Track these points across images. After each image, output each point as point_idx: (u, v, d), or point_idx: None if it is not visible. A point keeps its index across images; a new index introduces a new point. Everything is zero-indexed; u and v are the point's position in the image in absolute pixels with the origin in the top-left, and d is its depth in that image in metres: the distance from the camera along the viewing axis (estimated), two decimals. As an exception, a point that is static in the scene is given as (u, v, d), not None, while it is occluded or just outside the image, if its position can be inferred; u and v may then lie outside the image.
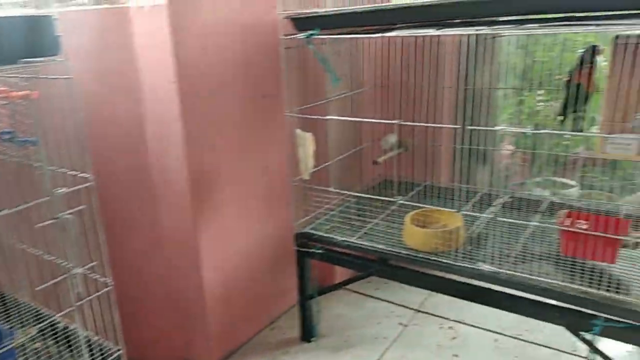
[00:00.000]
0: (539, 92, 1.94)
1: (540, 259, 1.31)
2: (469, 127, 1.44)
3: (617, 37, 1.21)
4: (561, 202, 1.59)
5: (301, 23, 1.39)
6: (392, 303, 2.01)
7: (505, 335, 1.76)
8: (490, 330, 1.79)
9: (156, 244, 1.62)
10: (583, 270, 1.19)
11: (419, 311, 1.95)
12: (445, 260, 1.35)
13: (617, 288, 1.12)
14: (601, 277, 1.15)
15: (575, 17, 1.27)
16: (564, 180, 2.47)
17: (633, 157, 1.21)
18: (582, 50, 1.42)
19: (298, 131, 1.51)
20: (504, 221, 1.34)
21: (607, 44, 1.60)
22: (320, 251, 1.61)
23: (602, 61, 1.43)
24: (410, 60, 1.86)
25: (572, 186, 2.46)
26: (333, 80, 1.43)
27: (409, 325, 1.87)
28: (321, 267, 1.80)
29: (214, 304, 1.65)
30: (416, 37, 1.81)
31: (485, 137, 2.04)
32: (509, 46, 2.00)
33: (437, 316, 1.90)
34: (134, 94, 1.46)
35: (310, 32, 1.35)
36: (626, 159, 1.23)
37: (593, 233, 1.11)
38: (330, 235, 1.56)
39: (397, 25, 1.48)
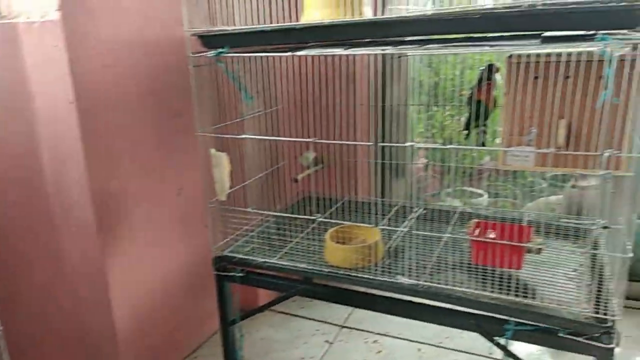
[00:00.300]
0: (446, 107, 2.04)
1: (454, 268, 1.36)
2: (381, 144, 1.46)
3: (510, 56, 1.29)
4: (471, 212, 1.67)
5: (209, 41, 1.35)
6: (317, 321, 2.00)
7: (428, 344, 1.80)
8: (413, 341, 1.83)
9: (59, 277, 1.48)
10: (493, 277, 1.24)
11: (344, 327, 1.95)
12: (365, 276, 1.35)
13: (525, 293, 1.18)
14: (510, 283, 1.21)
15: (473, 37, 1.35)
16: (473, 189, 2.62)
17: (531, 168, 1.30)
18: (481, 68, 1.52)
19: (212, 151, 1.46)
20: (419, 234, 1.37)
21: (502, 63, 1.73)
22: (240, 274, 1.55)
23: (499, 79, 1.54)
24: (324, 77, 1.89)
25: (481, 195, 2.62)
26: (246, 99, 1.40)
27: (334, 342, 1.86)
28: (244, 289, 1.74)
29: (127, 339, 1.54)
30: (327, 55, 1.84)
31: (398, 151, 2.11)
32: (416, 64, 2.10)
33: (362, 330, 1.91)
34: (27, 117, 1.34)
35: (220, 50, 1.32)
36: (525, 169, 1.31)
37: (500, 242, 1.16)
38: (251, 257, 1.52)
39: (308, 44, 1.49)
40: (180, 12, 1.35)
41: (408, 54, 1.20)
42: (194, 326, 1.84)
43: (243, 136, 1.43)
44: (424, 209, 1.74)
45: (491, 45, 1.07)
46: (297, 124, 1.93)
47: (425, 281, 1.29)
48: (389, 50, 1.18)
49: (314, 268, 1.42)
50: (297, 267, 1.44)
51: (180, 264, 1.74)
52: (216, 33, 1.34)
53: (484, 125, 1.50)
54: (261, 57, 1.36)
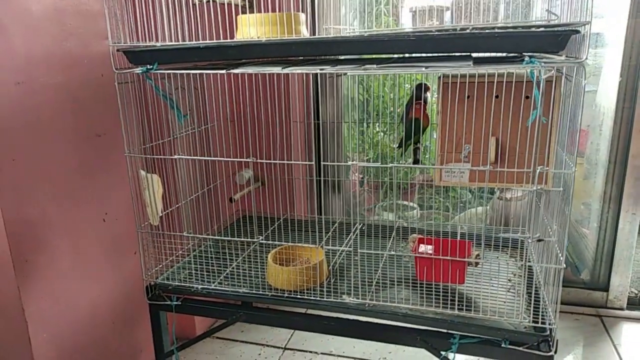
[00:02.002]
0: (377, 124, 2.08)
1: (399, 284, 1.36)
2: (324, 163, 1.45)
3: (441, 76, 1.34)
4: (407, 227, 1.69)
5: (136, 57, 1.27)
6: (259, 344, 1.93)
7: (371, 360, 1.80)
8: (357, 358, 1.81)
9: (-35, 321, 1.30)
10: (437, 292, 1.26)
11: (287, 349, 1.90)
12: (312, 298, 1.32)
13: (468, 306, 1.20)
14: (453, 297, 1.23)
15: (407, 57, 1.38)
16: (406, 203, 2.68)
17: (466, 184, 1.34)
18: (414, 87, 1.56)
19: (142, 172, 1.37)
20: (361, 251, 1.36)
21: (433, 82, 1.79)
22: (176, 302, 1.46)
23: (430, 97, 1.59)
24: (259, 95, 1.85)
25: (414, 208, 2.69)
26: (178, 117, 1.33)
27: (277, 366, 1.80)
28: (180, 316, 1.64)
29: (48, 383, 1.39)
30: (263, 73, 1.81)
31: (334, 168, 2.11)
32: (349, 81, 2.13)
33: (305, 351, 1.87)
34: None
35: (147, 66, 1.24)
36: (461, 185, 1.35)
37: (443, 258, 1.18)
38: (187, 284, 1.43)
39: (242, 62, 1.45)
40: (104, 26, 1.26)
41: (348, 73, 1.20)
42: (127, 358, 1.71)
43: (175, 156, 1.35)
44: (363, 224, 1.75)
45: (426, 67, 1.10)
46: (232, 142, 1.87)
47: (371, 299, 1.29)
48: (328, 69, 1.18)
49: (257, 292, 1.36)
50: (238, 292, 1.38)
51: (109, 294, 1.61)
52: (144, 49, 1.26)
53: (419, 142, 1.54)
54: (195, 74, 1.30)
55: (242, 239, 1.45)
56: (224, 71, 1.23)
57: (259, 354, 1.87)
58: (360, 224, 1.76)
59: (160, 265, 1.49)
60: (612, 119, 1.92)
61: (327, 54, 1.47)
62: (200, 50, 1.24)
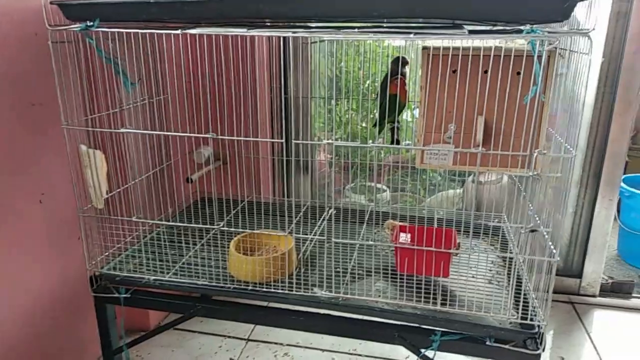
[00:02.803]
0: (347, 101, 1.94)
1: (374, 275, 1.25)
2: (295, 142, 1.30)
3: (424, 47, 1.20)
4: (381, 211, 1.58)
5: (73, 11, 1.07)
6: (220, 335, 1.79)
7: (341, 352, 1.69)
8: (326, 350, 1.71)
9: None
10: (417, 284, 1.15)
11: (250, 340, 1.77)
12: (279, 291, 1.18)
13: (451, 301, 1.10)
14: (435, 290, 1.13)
15: (385, 27, 1.24)
16: (375, 185, 2.57)
17: (449, 167, 1.22)
18: (391, 61, 1.43)
19: (83, 148, 1.18)
20: (338, 242, 1.23)
21: (413, 55, 1.65)
22: (125, 295, 1.30)
23: (408, 72, 1.46)
24: (221, 63, 1.67)
25: (383, 190, 2.59)
26: (125, 85, 1.15)
27: (240, 359, 1.67)
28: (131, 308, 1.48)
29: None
30: (225, 37, 1.63)
31: (301, 147, 1.97)
32: (318, 55, 1.97)
33: (270, 342, 1.75)
34: None
35: (87, 23, 1.05)
36: (443, 168, 1.24)
37: (427, 249, 1.07)
38: (137, 275, 1.27)
39: (202, 22, 1.27)
40: (34, -28, 1.06)
41: (324, 38, 1.06)
42: (71, 356, 1.53)
43: (121, 130, 1.17)
44: (334, 208, 1.63)
45: (415, 33, 0.96)
46: (190, 115, 1.69)
47: (345, 292, 1.17)
48: (301, 33, 1.02)
49: (217, 284, 1.22)
50: (196, 285, 1.23)
51: (50, 284, 1.42)
52: (82, 2, 1.07)
53: (398, 121, 1.41)
54: (144, 34, 1.12)
55: (200, 225, 1.29)
56: (178, 31, 1.05)
57: (220, 347, 1.73)
58: (331, 209, 1.63)
59: (107, 253, 1.32)
60: (592, 103, 1.85)
61: (298, 17, 1.30)
62: (149, 6, 1.05)
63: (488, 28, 1.03)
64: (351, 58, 2.16)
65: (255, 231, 1.28)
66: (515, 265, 1.04)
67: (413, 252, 1.09)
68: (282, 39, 1.82)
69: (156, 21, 1.21)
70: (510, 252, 1.28)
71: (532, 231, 1.00)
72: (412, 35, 0.95)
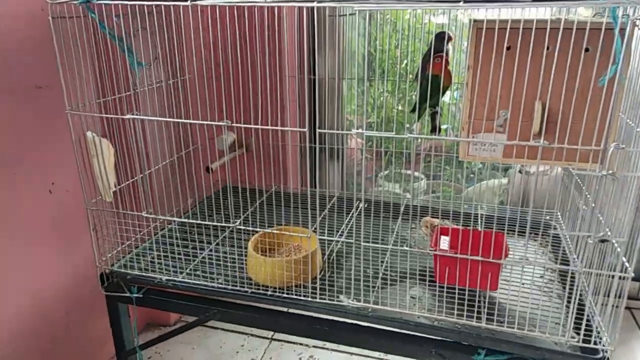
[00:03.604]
0: (383, 82, 1.78)
1: (410, 280, 1.11)
2: (320, 131, 1.16)
3: (474, 21, 1.03)
4: (419, 205, 1.42)
5: (75, -20, 0.95)
6: (243, 333, 1.69)
7: (371, 357, 1.57)
8: (354, 354, 1.59)
9: None
10: (460, 295, 1.00)
11: (274, 339, 1.66)
12: (300, 297, 1.06)
13: (499, 315, 0.95)
14: (479, 302, 0.98)
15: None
16: (410, 172, 2.40)
17: (500, 159, 1.06)
18: (433, 37, 1.26)
19: (90, 135, 1.08)
20: (368, 245, 1.09)
21: (458, 30, 1.47)
22: (137, 295, 1.20)
23: (451, 50, 1.29)
24: (244, 41, 1.53)
25: (420, 178, 2.42)
26: (132, 64, 1.03)
27: (263, 359, 1.57)
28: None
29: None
30: (250, 12, 1.49)
31: (335, 134, 1.82)
32: (350, 31, 1.80)
33: (295, 343, 1.64)
34: None
35: (89, -6, 0.93)
36: (493, 161, 1.07)
37: (474, 258, 0.91)
38: (149, 275, 1.17)
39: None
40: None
41: (355, 8, 0.91)
42: (86, 354, 1.47)
43: (127, 116, 1.05)
44: (364, 200, 1.49)
45: (465, 1, 0.79)
46: (211, 98, 1.56)
47: (375, 301, 1.03)
48: (327, 3, 0.87)
49: (234, 288, 1.10)
50: (212, 287, 1.12)
51: (60, 279, 1.35)
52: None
53: (437, 105, 1.25)
54: (151, 6, 0.99)
55: (215, 223, 1.18)
56: (188, 2, 0.92)
57: (242, 346, 1.63)
58: (361, 202, 1.49)
59: (117, 250, 1.23)
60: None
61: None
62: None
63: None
64: (387, 35, 1.98)
65: (274, 231, 1.15)
66: (578, 280, 0.87)
67: (455, 261, 0.93)
68: (310, 12, 1.66)
69: None
70: (572, 264, 1.10)
71: (602, 241, 0.83)
72: (461, 3, 0.79)
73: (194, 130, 1.50)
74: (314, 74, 1.75)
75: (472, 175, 2.44)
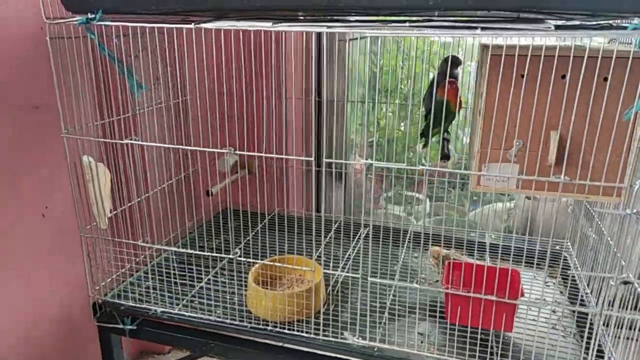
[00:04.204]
0: (388, 104, 1.74)
1: (419, 313, 1.05)
2: (327, 160, 1.13)
3: (484, 46, 1.00)
4: (422, 232, 1.37)
5: (74, 1, 0.92)
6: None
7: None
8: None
9: None
10: (472, 336, 0.95)
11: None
12: (302, 334, 1.00)
13: (514, 353, 0.89)
14: (492, 344, 0.92)
15: (452, 20, 1.03)
16: (414, 194, 2.36)
17: (512, 190, 1.02)
18: (443, 61, 1.22)
19: (85, 160, 1.03)
20: (375, 281, 1.03)
21: (463, 51, 1.44)
22: (131, 327, 1.15)
23: (461, 74, 1.26)
24: (247, 63, 1.50)
25: (422, 200, 2.37)
26: (132, 86, 0.99)
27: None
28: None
29: None
30: (255, 33, 1.45)
31: (336, 153, 1.78)
32: (356, 52, 1.77)
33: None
34: None
35: (89, 15, 0.89)
36: (505, 192, 1.03)
37: (487, 297, 0.86)
38: (144, 306, 1.11)
39: (226, 14, 1.10)
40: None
41: (367, 35, 0.88)
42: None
43: (125, 141, 1.01)
44: (368, 226, 1.44)
45: (483, 28, 0.76)
46: (213, 120, 1.52)
47: (382, 338, 0.98)
48: (337, 28, 0.83)
49: (232, 322, 1.05)
50: (209, 321, 1.06)
51: (53, 306, 1.29)
52: (84, -10, 0.91)
53: (447, 132, 1.21)
54: (153, 29, 0.95)
55: (214, 254, 1.12)
56: (191, 25, 0.88)
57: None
58: (366, 229, 1.44)
59: (110, 278, 1.17)
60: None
61: (336, 8, 1.11)
62: (162, -5, 0.89)
63: (578, 23, 0.82)
64: (392, 56, 1.95)
65: (277, 264, 1.09)
66: (598, 324, 0.82)
67: (468, 300, 0.88)
68: (317, 35, 1.63)
69: (170, 13, 1.04)
70: (591, 305, 1.05)
71: (625, 283, 0.78)
72: (478, 31, 0.75)
73: (194, 153, 1.45)
74: (319, 96, 1.71)
75: (475, 198, 2.40)
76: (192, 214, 1.39)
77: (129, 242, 1.11)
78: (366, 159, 0.85)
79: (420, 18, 1.04)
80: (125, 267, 1.19)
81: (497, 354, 0.92)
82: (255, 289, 1.05)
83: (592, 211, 1.18)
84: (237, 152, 0.96)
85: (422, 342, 0.98)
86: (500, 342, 0.93)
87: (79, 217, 1.09)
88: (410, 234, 1.42)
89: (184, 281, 1.18)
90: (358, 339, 0.97)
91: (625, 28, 0.70)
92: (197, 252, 1.13)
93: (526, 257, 1.28)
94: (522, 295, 0.90)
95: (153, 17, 1.04)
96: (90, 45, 1.07)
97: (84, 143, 1.05)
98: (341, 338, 0.99)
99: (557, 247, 1.38)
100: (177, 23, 0.94)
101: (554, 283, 1.24)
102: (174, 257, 1.26)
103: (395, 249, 1.35)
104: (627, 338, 0.87)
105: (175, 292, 1.14)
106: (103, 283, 1.15)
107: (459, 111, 1.19)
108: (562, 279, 1.26)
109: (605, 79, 0.89)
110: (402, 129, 2.02)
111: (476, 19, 0.97)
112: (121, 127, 1.19)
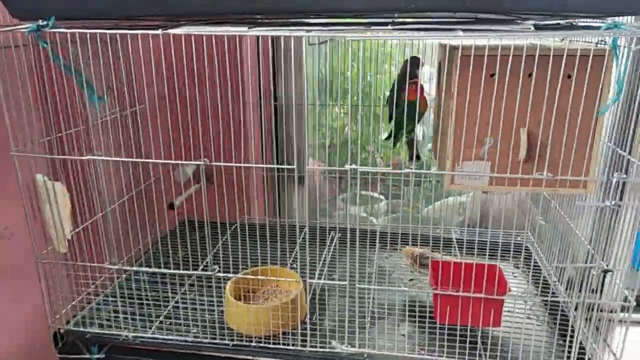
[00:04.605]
0: (337, 106, 1.74)
1: (399, 319, 1.05)
2: (309, 168, 1.10)
3: (453, 47, 1.01)
4: (388, 232, 1.38)
5: (20, 6, 0.83)
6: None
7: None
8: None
9: None
10: (453, 333, 0.96)
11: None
12: (289, 347, 0.98)
13: (502, 353, 0.92)
14: (477, 340, 0.94)
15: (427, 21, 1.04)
16: (370, 193, 2.38)
17: (486, 188, 1.04)
18: (406, 62, 1.24)
19: (39, 178, 0.95)
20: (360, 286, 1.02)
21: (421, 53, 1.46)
22: (99, 356, 1.07)
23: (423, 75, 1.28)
24: (202, 67, 1.44)
25: (379, 199, 2.39)
26: (91, 98, 0.92)
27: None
28: None
29: None
30: (209, 39, 1.40)
31: (291, 157, 1.76)
32: (312, 56, 1.75)
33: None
34: None
35: (40, 22, 0.82)
36: (478, 190, 1.06)
37: (476, 295, 0.88)
38: (112, 332, 1.04)
39: (181, 20, 1.04)
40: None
41: (347, 38, 0.86)
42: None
43: (86, 157, 0.94)
44: (335, 229, 1.44)
45: (464, 30, 0.77)
46: (169, 128, 1.45)
47: (371, 343, 0.97)
48: (314, 32, 0.81)
49: (212, 341, 1.00)
50: (186, 342, 1.01)
51: (11, 334, 1.17)
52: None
53: (413, 132, 1.23)
54: (113, 36, 0.88)
55: (191, 272, 1.06)
56: (158, 31, 0.82)
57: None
58: (335, 232, 1.43)
59: (72, 305, 1.08)
60: None
61: (301, 10, 1.08)
62: (122, 0, 0.83)
63: (554, 23, 0.85)
64: (347, 57, 1.94)
65: (259, 276, 1.06)
66: (581, 312, 0.86)
67: (458, 300, 0.89)
68: (272, 40, 1.60)
69: (125, 18, 0.98)
70: (562, 294, 1.09)
71: (606, 272, 0.82)
72: (460, 33, 0.76)
73: (152, 165, 1.37)
74: (276, 100, 1.68)
75: (429, 194, 2.45)
76: (155, 229, 1.32)
77: (95, 265, 1.03)
78: (350, 164, 0.84)
79: (383, 20, 1.04)
80: (88, 291, 1.10)
81: (483, 349, 0.94)
82: (237, 305, 1.01)
83: (552, 203, 1.24)
84: (201, 161, 0.91)
85: (409, 344, 0.98)
86: (482, 337, 0.95)
87: (34, 241, 0.99)
88: (378, 234, 1.43)
89: (155, 298, 1.11)
90: (347, 346, 0.95)
91: (598, 28, 0.73)
92: (171, 271, 1.06)
93: (491, 249, 1.32)
94: (510, 290, 0.92)
95: (104, 22, 0.97)
96: (41, 54, 0.98)
97: (37, 161, 0.96)
98: (329, 347, 0.97)
99: (519, 238, 1.44)
100: (142, 29, 0.88)
101: (519, 274, 1.29)
102: (143, 277, 1.18)
103: (364, 251, 1.35)
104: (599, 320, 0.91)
105: (148, 315, 1.07)
106: (64, 310, 1.06)
107: (423, 112, 1.20)
108: (527, 269, 1.31)
109: (569, 77, 0.93)
110: (355, 130, 2.03)
111: (433, 20, 0.98)
112: (74, 142, 1.10)
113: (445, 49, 1.13)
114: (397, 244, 1.36)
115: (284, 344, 0.98)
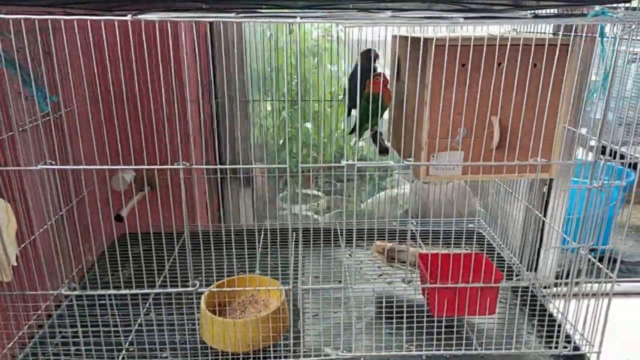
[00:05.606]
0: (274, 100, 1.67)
1: (387, 314, 1.03)
2: (303, 166, 1.03)
3: (426, 38, 1.00)
4: (344, 229, 1.36)
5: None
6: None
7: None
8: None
9: None
10: (438, 325, 0.95)
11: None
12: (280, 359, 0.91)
13: (487, 340, 0.93)
14: (468, 328, 0.95)
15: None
16: (308, 191, 2.35)
17: (460, 177, 1.05)
18: (362, 55, 1.22)
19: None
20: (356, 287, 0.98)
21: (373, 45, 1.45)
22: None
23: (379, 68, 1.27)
24: (139, 62, 1.30)
25: (319, 197, 2.37)
26: (38, 99, 0.77)
27: None
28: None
29: None
30: (146, 30, 1.26)
31: (235, 158, 1.67)
32: (252, 49, 1.66)
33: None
34: None
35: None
36: (452, 180, 1.07)
37: (475, 285, 0.87)
38: (71, 368, 0.89)
39: (114, 7, 0.92)
40: None
41: (345, 25, 0.81)
42: None
43: (39, 167, 0.79)
44: (299, 230, 1.38)
45: (466, 18, 0.75)
46: (102, 130, 1.28)
47: (368, 346, 0.93)
48: (309, 19, 0.75)
49: (191, 364, 0.90)
50: (162, 368, 0.90)
51: None
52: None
53: (376, 125, 1.21)
54: (44, 25, 0.74)
55: (169, 289, 0.94)
56: (128, 17, 0.71)
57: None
58: (296, 234, 1.37)
59: (18, 336, 0.91)
60: None
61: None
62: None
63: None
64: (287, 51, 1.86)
65: (248, 288, 0.97)
66: (569, 293, 0.90)
67: (455, 292, 0.89)
68: (210, 32, 1.49)
69: (52, 6, 0.83)
70: (526, 276, 1.14)
71: (592, 250, 0.86)
72: (461, 20, 0.74)
73: (87, 174, 1.20)
74: (216, 97, 1.58)
75: (362, 188, 2.46)
76: (98, 245, 1.17)
77: (48, 292, 0.87)
78: (347, 160, 0.79)
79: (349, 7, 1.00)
80: (36, 318, 0.94)
81: (471, 338, 0.95)
82: (217, 321, 0.91)
83: (507, 189, 1.29)
84: (142, 166, 0.81)
85: (411, 343, 0.96)
86: (474, 328, 0.96)
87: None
88: (340, 232, 1.40)
89: (115, 321, 0.97)
90: (343, 352, 0.91)
91: (585, 15, 0.76)
92: (144, 290, 0.93)
93: (447, 238, 1.35)
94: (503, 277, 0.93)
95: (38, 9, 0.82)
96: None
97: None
98: (324, 355, 0.91)
99: (471, 225, 1.49)
100: (109, 15, 0.75)
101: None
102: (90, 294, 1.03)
103: (328, 250, 1.31)
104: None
105: (108, 344, 0.93)
106: (10, 345, 0.89)
107: (387, 105, 1.19)
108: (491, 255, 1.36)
109: (536, 65, 0.97)
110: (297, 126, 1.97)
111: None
112: (5, 152, 0.93)
113: (407, 40, 1.13)
114: (352, 240, 1.32)
115: (275, 358, 0.91)
